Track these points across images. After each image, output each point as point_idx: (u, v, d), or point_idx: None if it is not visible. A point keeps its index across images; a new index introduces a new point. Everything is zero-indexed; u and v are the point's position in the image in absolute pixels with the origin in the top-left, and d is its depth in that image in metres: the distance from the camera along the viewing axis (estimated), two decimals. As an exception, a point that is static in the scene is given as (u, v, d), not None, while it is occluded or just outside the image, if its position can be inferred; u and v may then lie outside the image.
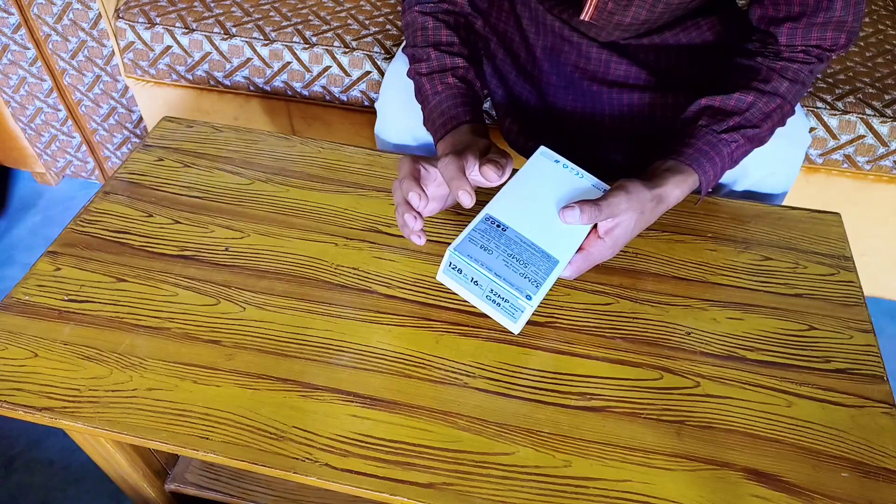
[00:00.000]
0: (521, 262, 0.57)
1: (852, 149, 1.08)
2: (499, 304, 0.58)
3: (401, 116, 0.87)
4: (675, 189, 0.66)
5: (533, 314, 0.66)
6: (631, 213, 0.62)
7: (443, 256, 0.59)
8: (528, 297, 0.56)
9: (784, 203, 0.81)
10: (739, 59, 0.74)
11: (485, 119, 0.74)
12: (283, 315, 0.65)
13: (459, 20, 0.78)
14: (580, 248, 0.62)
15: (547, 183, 0.63)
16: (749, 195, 0.84)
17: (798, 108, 0.85)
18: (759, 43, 0.73)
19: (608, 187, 0.63)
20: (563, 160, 0.64)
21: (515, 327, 0.59)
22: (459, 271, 0.59)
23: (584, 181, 0.63)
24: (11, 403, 0.58)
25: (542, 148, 0.65)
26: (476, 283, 0.58)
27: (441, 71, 0.75)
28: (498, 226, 0.59)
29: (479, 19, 0.82)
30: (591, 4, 0.75)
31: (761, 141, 0.71)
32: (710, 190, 0.70)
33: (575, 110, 0.87)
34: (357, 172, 0.80)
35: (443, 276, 0.61)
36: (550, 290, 0.60)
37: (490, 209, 0.60)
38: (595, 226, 0.62)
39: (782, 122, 0.73)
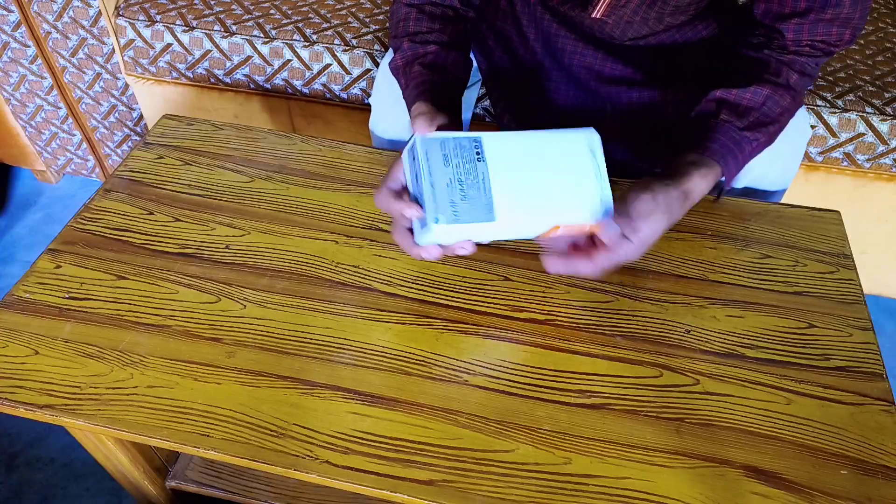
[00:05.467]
0: (462, 194, 0.54)
1: (852, 147, 1.08)
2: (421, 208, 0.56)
3: (394, 111, 0.87)
4: (702, 182, 0.64)
5: (533, 312, 0.66)
6: (658, 216, 0.60)
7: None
8: (436, 220, 0.53)
9: (784, 201, 0.81)
10: (746, 52, 0.74)
11: (452, 102, 0.72)
12: (283, 312, 0.65)
13: (447, 12, 0.77)
14: (601, 248, 0.59)
15: (561, 158, 0.58)
16: (748, 192, 0.84)
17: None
18: (764, 38, 0.73)
19: (611, 203, 0.58)
20: (598, 153, 0.59)
21: (418, 238, 0.57)
22: (413, 159, 0.56)
23: (594, 184, 0.58)
24: (12, 401, 0.58)
25: (592, 132, 0.59)
26: (416, 178, 0.56)
27: (411, 62, 0.74)
28: (477, 152, 0.56)
29: (470, 11, 0.81)
30: (603, 2, 0.74)
31: (776, 137, 0.71)
32: (730, 187, 0.69)
33: (575, 108, 0.87)
34: (357, 170, 0.80)
35: (405, 154, 0.59)
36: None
37: (485, 136, 0.57)
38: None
39: (793, 116, 0.72)
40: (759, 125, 0.68)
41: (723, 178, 0.67)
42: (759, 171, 0.82)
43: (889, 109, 1.05)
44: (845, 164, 1.10)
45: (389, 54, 0.90)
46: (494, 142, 0.57)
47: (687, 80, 0.82)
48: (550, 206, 0.57)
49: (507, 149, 0.57)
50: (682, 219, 0.75)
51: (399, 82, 0.76)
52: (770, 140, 0.70)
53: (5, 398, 0.58)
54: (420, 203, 0.56)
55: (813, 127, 1.07)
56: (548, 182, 0.57)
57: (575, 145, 0.59)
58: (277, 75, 1.18)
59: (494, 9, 0.90)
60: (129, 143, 1.43)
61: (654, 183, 0.61)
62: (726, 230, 0.75)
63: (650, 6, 0.75)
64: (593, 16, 0.76)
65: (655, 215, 0.60)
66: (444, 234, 0.55)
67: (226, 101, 1.26)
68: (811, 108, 1.06)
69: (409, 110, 0.72)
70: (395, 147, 0.87)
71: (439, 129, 0.59)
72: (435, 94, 0.70)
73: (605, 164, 0.58)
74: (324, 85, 1.17)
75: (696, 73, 0.82)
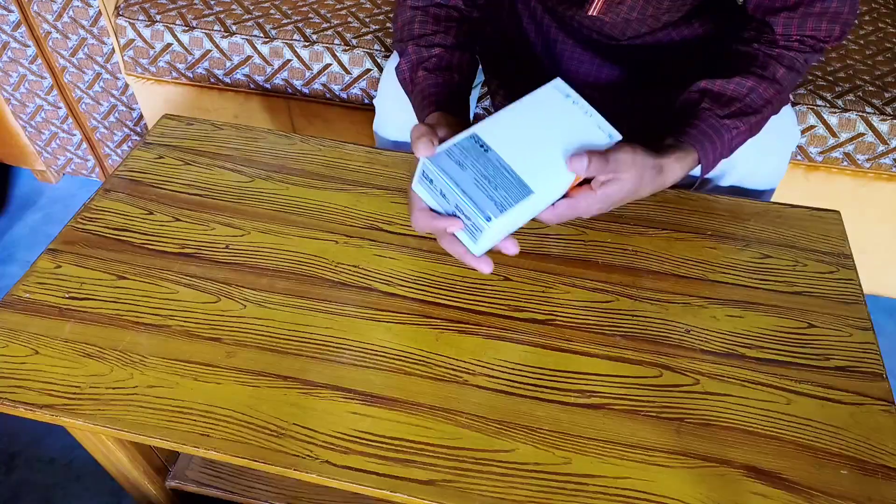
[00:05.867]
0: (493, 185, 0.56)
1: (852, 147, 1.08)
2: (463, 223, 0.57)
3: (399, 113, 0.87)
4: (676, 164, 0.65)
5: (533, 312, 0.66)
6: (632, 175, 0.60)
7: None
8: (488, 218, 0.54)
9: (784, 201, 0.81)
10: (736, 46, 0.74)
11: (458, 103, 0.72)
12: (283, 312, 0.65)
13: (451, 13, 0.77)
14: (567, 196, 0.60)
15: (550, 114, 0.61)
16: (736, 190, 0.84)
17: (787, 104, 0.85)
18: (754, 32, 0.73)
19: (614, 131, 0.61)
20: (574, 95, 0.62)
21: (475, 248, 0.58)
22: (431, 182, 0.57)
23: (590, 120, 0.61)
24: (12, 401, 0.58)
25: (557, 79, 0.63)
26: (444, 196, 0.57)
27: (416, 67, 0.74)
28: (481, 146, 0.57)
29: (475, 12, 0.81)
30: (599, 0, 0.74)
31: (758, 129, 0.71)
32: (706, 175, 0.70)
33: None
34: (357, 170, 0.80)
35: (417, 186, 0.60)
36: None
37: (478, 128, 0.58)
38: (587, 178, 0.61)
39: (778, 110, 0.72)
40: (740, 114, 0.68)
41: (700, 166, 0.67)
42: (747, 169, 0.82)
43: (889, 109, 1.05)
44: (845, 164, 1.10)
45: (394, 57, 0.90)
46: (488, 129, 0.58)
47: (680, 78, 0.82)
48: (567, 155, 0.59)
49: (501, 130, 0.59)
50: (683, 218, 0.76)
51: (405, 88, 0.76)
52: (751, 131, 0.70)
53: (5, 398, 0.58)
54: (459, 217, 0.57)
55: (813, 127, 1.07)
56: (551, 138, 0.59)
57: (551, 98, 0.62)
58: (277, 75, 1.18)
59: (497, 8, 0.90)
60: (129, 143, 1.43)
61: (637, 146, 0.61)
62: (726, 230, 0.75)
63: (647, 2, 0.75)
64: (589, 13, 0.76)
65: (629, 174, 0.60)
66: (498, 229, 0.56)
67: (226, 101, 1.26)
68: (811, 108, 1.06)
69: (416, 116, 0.72)
70: (399, 148, 0.87)
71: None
72: (441, 100, 0.70)
73: (584, 100, 0.62)
74: (324, 85, 1.17)
75: (690, 71, 0.82)
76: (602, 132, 0.61)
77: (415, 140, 0.57)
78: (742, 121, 0.68)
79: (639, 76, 0.84)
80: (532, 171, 0.57)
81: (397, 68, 0.76)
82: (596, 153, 0.58)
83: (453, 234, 0.60)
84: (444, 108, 0.68)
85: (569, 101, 0.62)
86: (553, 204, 0.60)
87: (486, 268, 0.60)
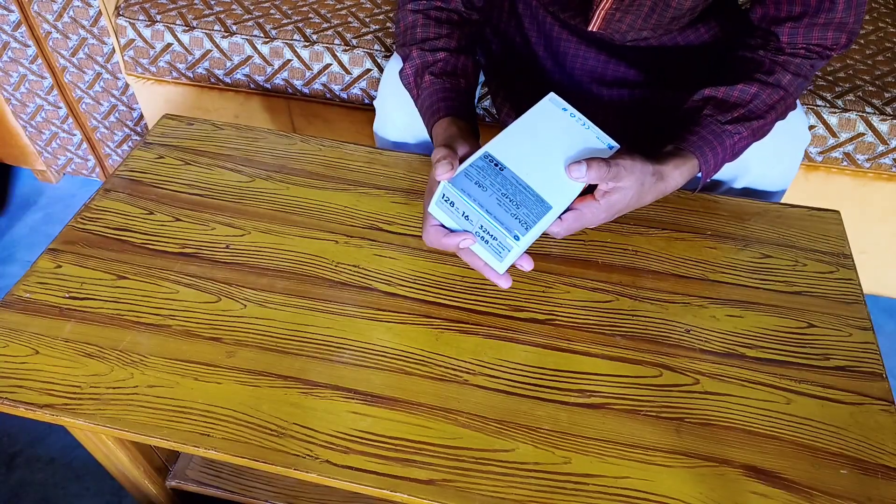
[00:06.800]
0: (514, 203, 0.57)
1: (852, 147, 1.08)
2: (487, 242, 0.58)
3: (399, 114, 0.87)
4: (675, 170, 0.65)
5: (533, 312, 0.66)
6: (633, 181, 0.61)
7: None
8: (517, 238, 0.56)
9: (783, 200, 0.81)
10: (741, 52, 0.74)
11: (466, 107, 0.73)
12: (283, 312, 0.65)
13: (452, 16, 0.78)
14: (572, 208, 0.61)
15: (551, 129, 0.62)
16: (748, 192, 0.84)
17: (797, 104, 0.85)
18: (760, 39, 0.73)
19: (613, 142, 0.62)
20: (571, 109, 0.63)
21: (500, 266, 0.59)
22: (452, 204, 0.58)
23: (589, 132, 0.62)
24: (13, 400, 0.58)
25: (552, 94, 0.64)
26: (467, 217, 0.58)
27: (421, 70, 0.74)
28: (496, 164, 0.58)
29: (474, 14, 0.81)
30: (598, 17, 0.75)
31: (763, 133, 0.71)
32: (708, 180, 0.70)
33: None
34: (357, 170, 0.81)
35: (435, 209, 0.60)
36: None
37: (490, 147, 0.59)
38: (591, 187, 0.62)
39: (784, 115, 0.73)
40: (743, 120, 0.69)
41: (700, 170, 0.68)
42: (759, 171, 0.82)
43: (889, 109, 1.05)
44: (845, 163, 1.10)
45: (395, 59, 0.90)
46: (499, 147, 0.60)
47: (686, 81, 0.82)
48: None
49: (510, 147, 0.60)
50: (683, 218, 0.76)
51: (410, 93, 0.76)
52: (755, 135, 0.70)
53: (5, 398, 0.58)
54: (482, 236, 0.58)
55: (813, 127, 1.07)
56: (556, 152, 0.61)
57: (550, 112, 0.63)
58: (277, 75, 1.18)
59: (498, 11, 0.90)
60: (130, 143, 1.44)
61: (635, 153, 0.62)
62: (726, 230, 0.75)
63: (646, 20, 0.75)
64: (590, 29, 0.77)
65: (630, 180, 0.61)
66: (524, 247, 0.57)
67: (226, 101, 1.26)
68: (811, 108, 1.06)
69: (423, 121, 0.72)
70: (399, 149, 0.87)
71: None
72: (450, 105, 0.70)
73: (579, 113, 0.64)
74: (324, 85, 1.17)
75: (695, 75, 0.82)
76: (601, 142, 0.62)
77: (435, 162, 0.58)
78: (744, 126, 0.68)
79: (647, 75, 0.84)
80: (547, 187, 0.58)
81: (401, 72, 0.76)
82: (595, 159, 0.59)
83: (469, 248, 0.61)
84: (454, 114, 0.69)
85: (566, 114, 0.63)
86: (560, 217, 0.61)
87: (505, 284, 0.61)
